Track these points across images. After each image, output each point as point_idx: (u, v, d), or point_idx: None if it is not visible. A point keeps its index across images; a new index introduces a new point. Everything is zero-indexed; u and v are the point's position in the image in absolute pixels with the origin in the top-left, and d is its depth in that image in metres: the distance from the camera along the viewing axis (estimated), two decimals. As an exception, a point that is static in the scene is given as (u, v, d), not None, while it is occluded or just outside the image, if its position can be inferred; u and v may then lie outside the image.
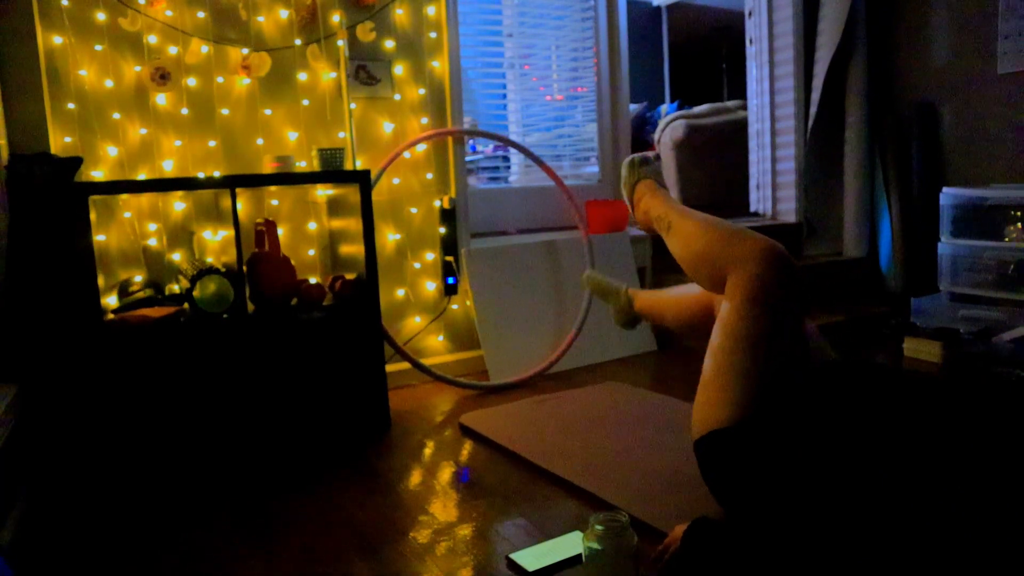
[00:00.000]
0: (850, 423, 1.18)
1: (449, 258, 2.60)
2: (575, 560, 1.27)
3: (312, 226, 2.39)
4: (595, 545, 1.15)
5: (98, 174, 2.09)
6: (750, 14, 3.56)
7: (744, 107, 3.85)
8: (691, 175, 4.37)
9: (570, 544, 1.33)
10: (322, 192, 2.36)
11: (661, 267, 3.01)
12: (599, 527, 1.15)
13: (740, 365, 1.27)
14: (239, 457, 1.89)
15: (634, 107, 4.86)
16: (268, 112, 2.31)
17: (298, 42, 2.33)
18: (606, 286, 2.05)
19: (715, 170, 4.38)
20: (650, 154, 1.79)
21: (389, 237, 2.54)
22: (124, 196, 2.10)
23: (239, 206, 1.91)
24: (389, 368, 2.33)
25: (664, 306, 1.83)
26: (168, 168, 2.19)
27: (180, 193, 2.16)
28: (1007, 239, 2.67)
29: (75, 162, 1.84)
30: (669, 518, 1.39)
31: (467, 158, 2.75)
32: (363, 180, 2.05)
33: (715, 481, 1.33)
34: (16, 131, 1.92)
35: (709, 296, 1.60)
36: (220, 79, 2.24)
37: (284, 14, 2.30)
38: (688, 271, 1.50)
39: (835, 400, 1.27)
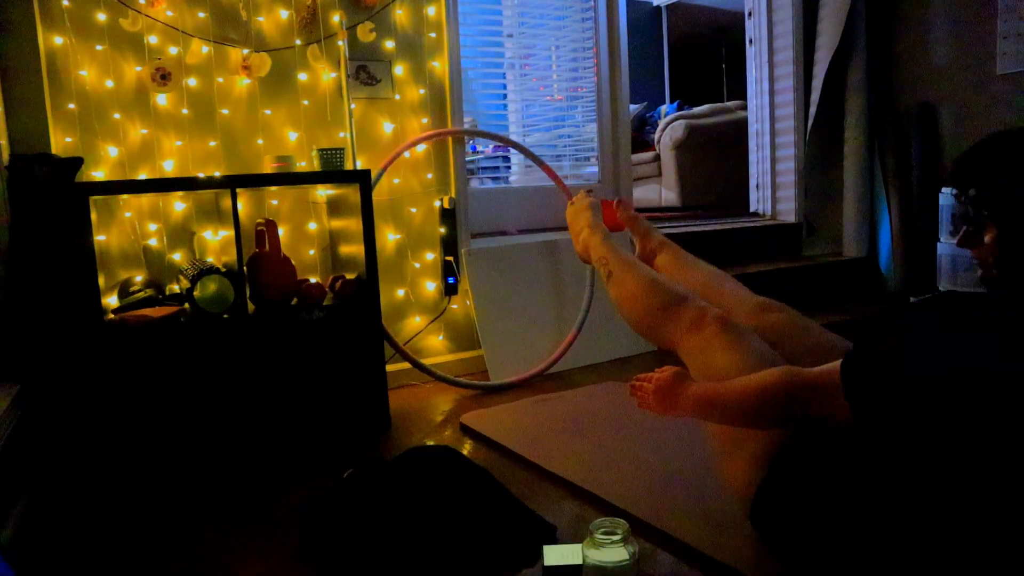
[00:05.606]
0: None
1: (449, 258, 2.60)
2: (575, 570, 1.25)
3: (312, 226, 2.39)
4: (595, 553, 1.14)
5: (99, 174, 2.09)
6: (750, 14, 3.56)
7: (744, 107, 3.85)
8: (691, 175, 4.38)
9: (569, 554, 1.30)
10: (322, 192, 2.37)
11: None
12: (599, 536, 1.14)
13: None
14: (239, 457, 1.89)
15: (634, 107, 4.86)
16: (268, 112, 2.31)
17: (298, 42, 2.33)
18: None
19: (715, 170, 4.39)
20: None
21: (389, 237, 2.54)
22: (124, 196, 2.10)
23: (239, 206, 1.91)
24: (389, 368, 2.33)
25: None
26: (168, 168, 2.19)
27: (180, 193, 2.16)
28: (1007, 239, 2.67)
29: (76, 162, 1.84)
30: (670, 517, 1.40)
31: (467, 158, 2.75)
32: (363, 180, 2.05)
33: (783, 540, 1.23)
34: (17, 131, 1.92)
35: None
36: (220, 79, 2.24)
37: (284, 14, 2.31)
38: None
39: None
